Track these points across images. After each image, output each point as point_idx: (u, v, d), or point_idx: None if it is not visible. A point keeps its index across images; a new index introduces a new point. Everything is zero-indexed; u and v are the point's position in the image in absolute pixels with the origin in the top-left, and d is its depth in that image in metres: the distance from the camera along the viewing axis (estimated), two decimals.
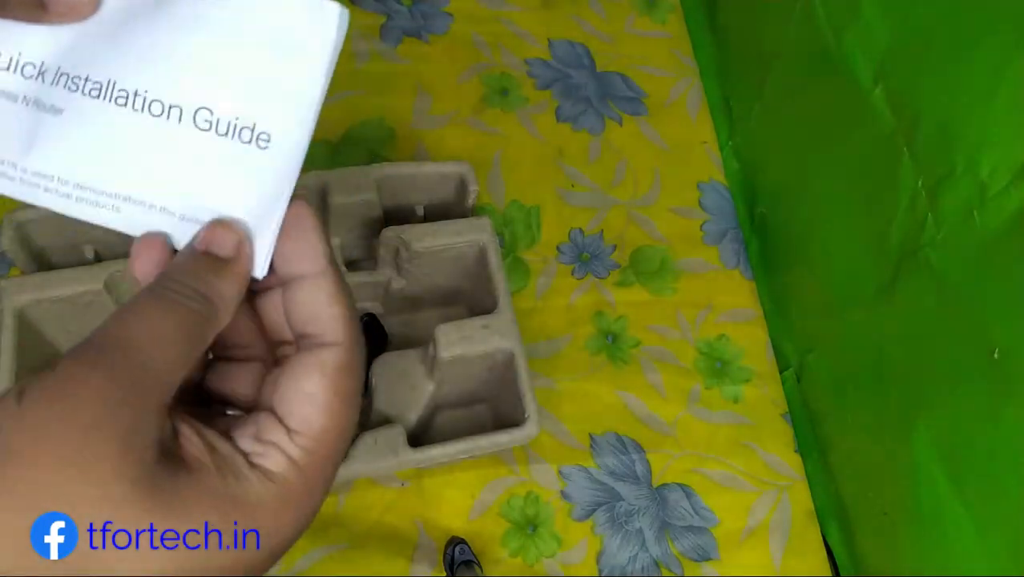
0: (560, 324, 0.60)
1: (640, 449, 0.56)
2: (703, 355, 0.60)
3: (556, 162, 0.66)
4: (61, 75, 0.22)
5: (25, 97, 0.22)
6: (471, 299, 0.55)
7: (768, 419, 0.58)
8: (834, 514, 0.53)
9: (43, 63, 0.21)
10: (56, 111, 0.22)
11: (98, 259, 0.52)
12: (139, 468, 0.17)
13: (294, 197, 0.22)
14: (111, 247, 0.53)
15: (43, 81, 0.22)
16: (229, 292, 0.21)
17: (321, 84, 0.22)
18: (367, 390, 0.51)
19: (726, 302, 0.62)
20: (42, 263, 0.52)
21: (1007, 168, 0.34)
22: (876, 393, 0.48)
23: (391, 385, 0.50)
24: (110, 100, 0.22)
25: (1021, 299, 0.34)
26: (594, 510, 0.54)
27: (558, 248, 0.63)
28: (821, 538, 0.54)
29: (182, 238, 0.22)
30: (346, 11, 0.21)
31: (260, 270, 0.22)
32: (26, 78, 0.21)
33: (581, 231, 0.63)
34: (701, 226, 0.65)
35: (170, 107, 0.22)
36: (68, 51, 0.22)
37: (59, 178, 0.22)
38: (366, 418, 0.50)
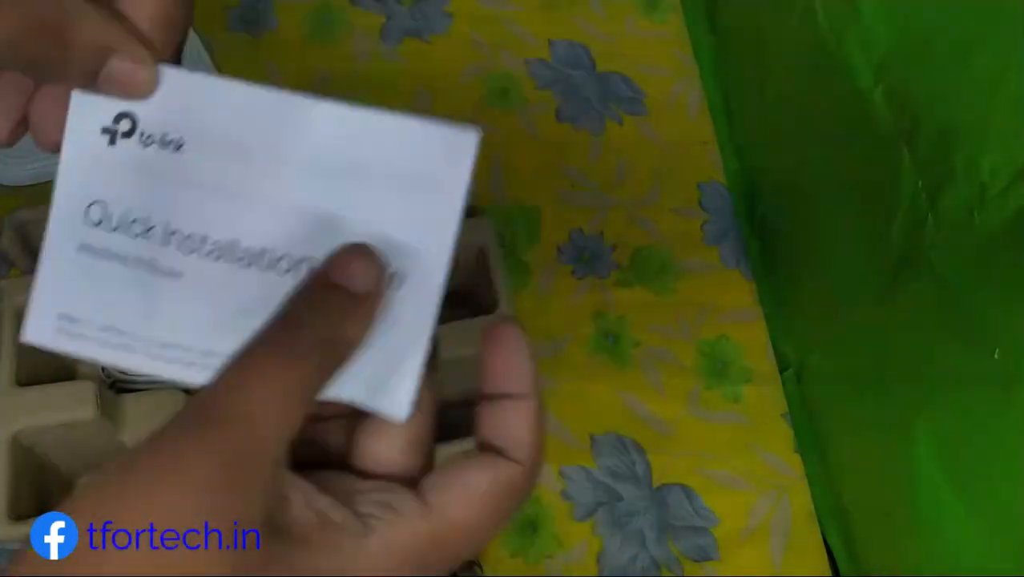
0: (560, 324, 0.60)
1: (640, 449, 0.56)
2: (704, 355, 0.60)
3: (557, 162, 0.66)
4: (172, 234, 0.20)
5: (138, 259, 0.20)
6: (471, 300, 0.55)
7: (768, 419, 0.58)
8: (834, 514, 0.53)
9: (148, 218, 0.20)
10: (174, 275, 0.20)
11: None
12: (238, 558, 0.16)
13: (507, 318, 0.21)
14: None
15: (151, 240, 0.20)
16: (356, 338, 0.19)
17: (459, 214, 0.20)
18: None
19: (726, 302, 0.62)
20: None
21: (1007, 168, 0.34)
22: (876, 393, 0.48)
23: None
24: (234, 261, 0.20)
25: (1021, 299, 0.34)
26: (595, 510, 0.54)
27: (558, 248, 0.63)
28: (821, 538, 0.54)
29: None
30: (480, 132, 0.20)
31: (404, 411, 0.21)
32: (133, 237, 0.20)
33: (582, 231, 0.63)
34: (701, 226, 0.65)
35: (299, 261, 0.20)
36: (171, 202, 0.20)
37: (184, 346, 0.20)
38: None
